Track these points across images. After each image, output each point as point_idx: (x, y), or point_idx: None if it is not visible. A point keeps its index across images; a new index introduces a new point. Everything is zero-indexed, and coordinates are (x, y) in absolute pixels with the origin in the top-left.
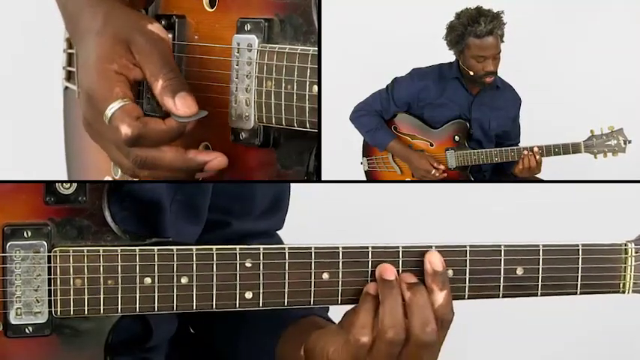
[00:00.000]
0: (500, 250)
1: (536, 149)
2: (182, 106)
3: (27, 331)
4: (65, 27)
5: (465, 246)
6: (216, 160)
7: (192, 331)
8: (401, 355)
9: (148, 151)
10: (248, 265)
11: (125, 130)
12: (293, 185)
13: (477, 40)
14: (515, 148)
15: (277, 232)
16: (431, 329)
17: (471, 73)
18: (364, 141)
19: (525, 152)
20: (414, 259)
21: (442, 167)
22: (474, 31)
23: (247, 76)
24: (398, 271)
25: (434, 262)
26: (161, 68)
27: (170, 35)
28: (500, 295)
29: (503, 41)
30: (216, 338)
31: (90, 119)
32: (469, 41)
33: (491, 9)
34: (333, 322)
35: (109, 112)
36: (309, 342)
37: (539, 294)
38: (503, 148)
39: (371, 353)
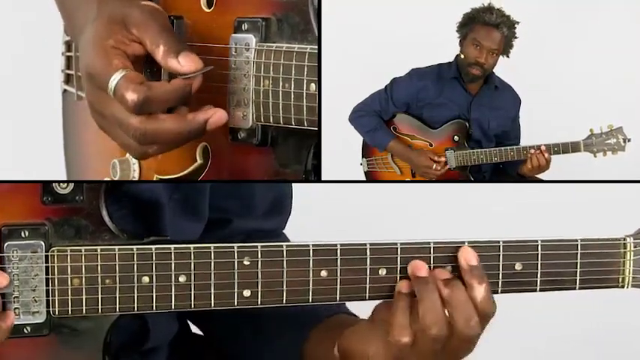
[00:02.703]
0: (499, 246)
1: (543, 147)
2: (186, 62)
3: (25, 331)
4: (65, 28)
5: (464, 242)
6: (216, 114)
7: (201, 334)
8: (444, 348)
9: (146, 122)
10: (246, 263)
11: (131, 96)
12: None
13: (481, 27)
14: (514, 147)
15: None
16: (474, 322)
17: (462, 56)
18: (363, 142)
19: (532, 151)
20: (413, 257)
21: (443, 159)
22: (482, 17)
23: (245, 75)
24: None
25: (468, 257)
26: (160, 34)
27: None
28: (499, 291)
29: (508, 55)
30: (231, 343)
31: (93, 101)
32: (475, 25)
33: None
34: (356, 316)
35: (112, 83)
36: (343, 341)
37: (538, 289)
38: (502, 148)
39: (414, 350)
